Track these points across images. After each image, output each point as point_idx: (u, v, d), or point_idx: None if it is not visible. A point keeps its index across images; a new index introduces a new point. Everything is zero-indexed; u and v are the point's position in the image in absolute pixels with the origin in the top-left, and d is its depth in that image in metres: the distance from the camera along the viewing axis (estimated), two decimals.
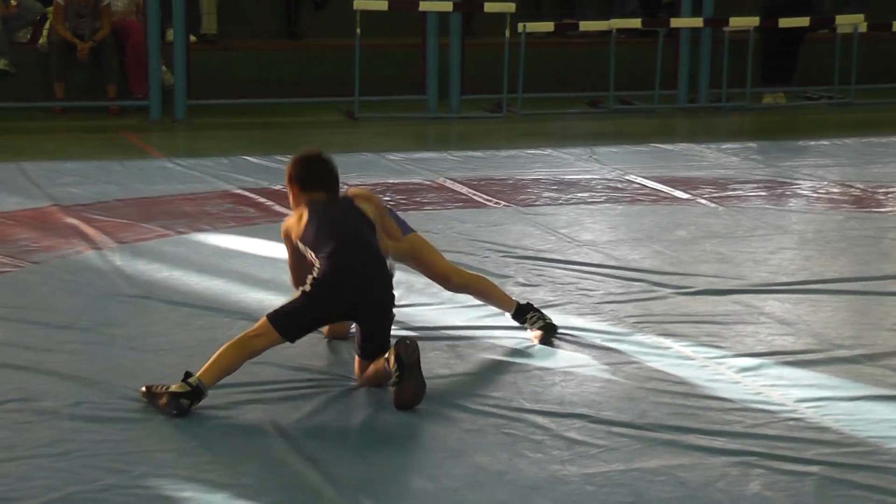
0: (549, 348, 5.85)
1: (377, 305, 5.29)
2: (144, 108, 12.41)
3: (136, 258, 7.22)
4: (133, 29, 12.54)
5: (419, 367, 5.08)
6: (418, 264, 6.00)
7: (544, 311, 6.08)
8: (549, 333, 5.96)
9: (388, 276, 5.38)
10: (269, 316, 5.21)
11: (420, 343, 5.34)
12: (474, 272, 6.31)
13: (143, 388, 5.09)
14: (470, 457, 4.70)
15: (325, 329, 5.76)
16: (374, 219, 5.46)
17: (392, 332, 5.38)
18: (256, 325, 5.24)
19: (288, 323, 5.21)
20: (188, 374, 5.04)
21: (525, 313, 6.00)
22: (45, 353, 5.66)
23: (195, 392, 5.00)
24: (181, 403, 4.98)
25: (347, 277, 5.23)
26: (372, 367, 5.23)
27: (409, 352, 5.05)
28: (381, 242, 5.48)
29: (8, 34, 12.73)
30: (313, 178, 5.50)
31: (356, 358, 5.34)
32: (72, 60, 12.52)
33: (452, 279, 6.01)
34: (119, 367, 5.52)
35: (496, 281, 6.80)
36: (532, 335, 5.95)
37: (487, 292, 6.11)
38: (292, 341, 5.29)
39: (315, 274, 5.24)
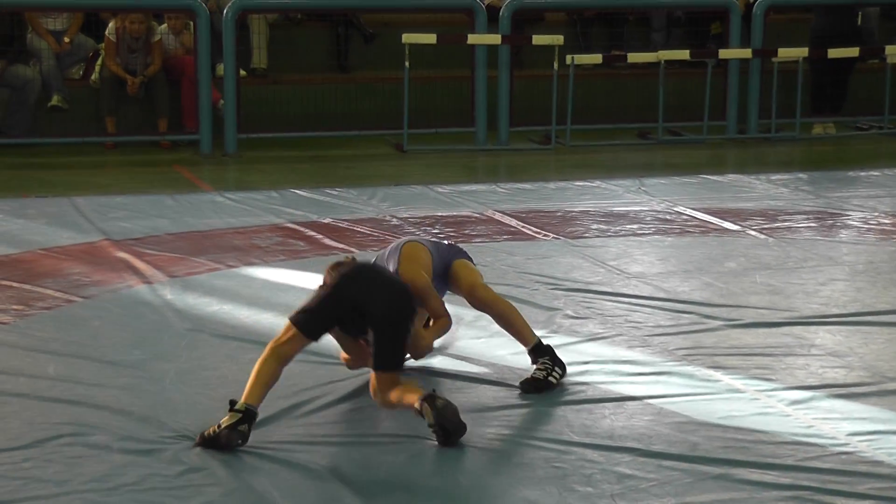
0: (597, 381, 5.82)
1: (392, 303, 5.24)
2: (195, 142, 12.47)
3: (187, 292, 7.25)
4: (188, 64, 12.61)
5: (461, 422, 5.04)
6: (454, 286, 5.95)
7: (583, 346, 6.12)
8: (534, 388, 5.67)
9: (408, 293, 5.37)
10: (291, 318, 5.24)
11: (468, 375, 5.33)
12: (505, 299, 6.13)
13: (198, 439, 5.05)
14: (520, 491, 4.68)
15: (343, 357, 5.76)
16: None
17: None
18: (282, 330, 5.26)
19: (309, 320, 5.22)
20: (233, 403, 5.05)
21: (540, 355, 5.79)
22: (97, 387, 5.68)
23: (248, 415, 5.02)
24: (240, 431, 4.99)
25: (364, 271, 5.36)
26: (395, 397, 5.16)
27: (450, 417, 5.01)
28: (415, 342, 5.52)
29: (61, 71, 12.85)
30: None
31: (371, 373, 5.28)
32: (123, 95, 12.64)
33: (477, 292, 5.88)
34: (170, 401, 5.54)
35: (545, 314, 6.83)
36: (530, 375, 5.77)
37: (510, 319, 5.89)
38: (315, 340, 5.29)
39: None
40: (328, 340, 5.49)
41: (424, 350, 5.79)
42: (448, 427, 5.00)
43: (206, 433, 5.04)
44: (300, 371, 5.77)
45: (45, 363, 6.00)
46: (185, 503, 4.54)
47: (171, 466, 4.85)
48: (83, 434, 5.15)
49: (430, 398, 5.02)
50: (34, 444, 5.04)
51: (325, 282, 5.40)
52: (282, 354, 5.21)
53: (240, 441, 4.99)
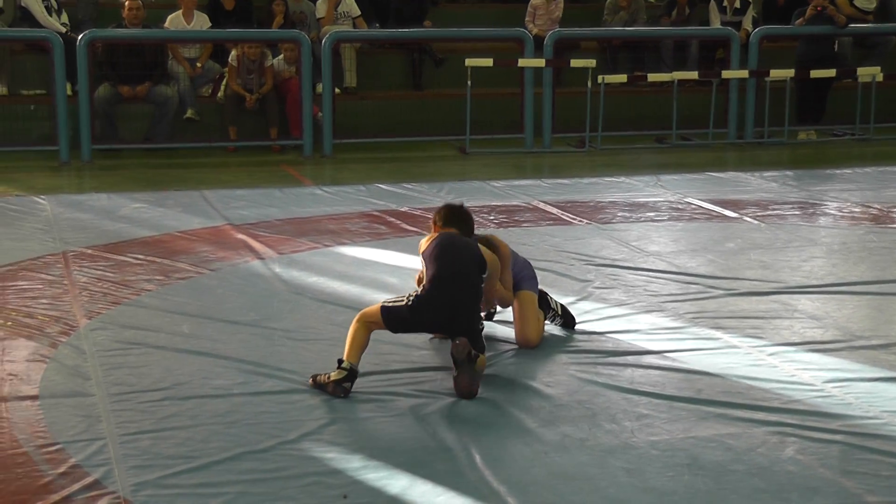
0: (621, 339, 5.81)
1: (460, 332, 5.13)
2: (299, 146, 12.52)
3: (292, 266, 7.28)
4: (292, 84, 12.66)
5: (469, 363, 4.97)
6: (515, 318, 5.77)
7: (609, 310, 6.19)
8: (570, 323, 5.99)
9: (476, 310, 5.27)
10: (382, 306, 5.19)
11: (513, 335, 5.34)
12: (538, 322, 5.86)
13: (310, 381, 5.08)
14: (558, 427, 4.69)
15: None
16: (490, 265, 5.39)
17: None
18: (374, 308, 5.21)
19: (392, 320, 5.16)
20: (340, 361, 5.05)
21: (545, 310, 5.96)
22: (220, 342, 5.73)
23: (351, 374, 5.02)
24: (344, 387, 4.99)
25: (440, 302, 5.15)
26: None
27: (458, 350, 4.97)
28: (489, 285, 5.45)
29: (194, 90, 12.93)
30: (448, 218, 5.51)
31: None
32: (243, 109, 12.69)
33: (531, 345, 5.70)
34: (278, 353, 5.58)
35: (579, 285, 6.83)
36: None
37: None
38: (394, 332, 5.27)
39: (419, 290, 5.21)
40: None
41: (503, 300, 5.69)
42: (456, 357, 4.98)
43: (318, 378, 5.06)
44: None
45: (181, 322, 6.06)
46: (290, 434, 4.57)
47: (279, 405, 4.89)
48: (210, 378, 5.20)
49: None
50: (171, 386, 5.10)
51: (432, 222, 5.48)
52: (369, 325, 5.17)
53: (342, 395, 4.98)
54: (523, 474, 4.24)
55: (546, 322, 5.93)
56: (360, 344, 5.13)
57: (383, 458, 4.35)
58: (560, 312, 6.00)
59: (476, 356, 5.03)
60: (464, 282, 5.22)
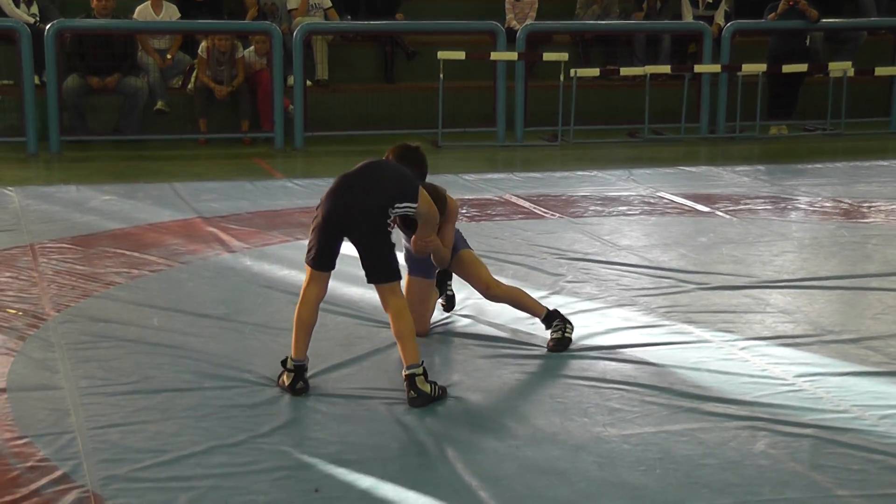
0: (593, 333, 5.81)
1: (362, 213, 4.92)
2: (270, 139, 12.49)
3: (262, 259, 7.27)
4: (263, 76, 12.63)
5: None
6: (466, 276, 5.72)
7: (581, 304, 6.11)
8: (561, 346, 5.56)
9: (381, 226, 4.93)
10: (305, 261, 5.07)
11: (490, 335, 5.35)
12: (511, 285, 5.89)
13: (277, 380, 5.02)
14: (530, 421, 4.69)
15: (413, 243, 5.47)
16: (424, 207, 5.11)
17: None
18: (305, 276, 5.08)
19: (312, 256, 5.03)
20: (284, 362, 5.00)
21: (552, 320, 5.64)
22: (190, 335, 5.71)
23: (299, 372, 4.97)
24: (299, 389, 4.95)
25: (337, 190, 5.02)
26: (402, 332, 4.93)
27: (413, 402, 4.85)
28: (423, 231, 5.28)
29: (164, 81, 12.88)
30: (399, 155, 5.46)
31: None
32: (212, 101, 12.66)
33: (492, 290, 5.67)
34: (248, 346, 5.57)
35: (551, 279, 6.83)
36: (549, 340, 5.63)
37: (522, 302, 5.73)
38: (327, 269, 5.06)
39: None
40: (366, 302, 5.46)
41: (439, 256, 5.47)
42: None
43: (279, 380, 5.02)
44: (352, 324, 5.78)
45: (151, 315, 6.04)
46: (261, 427, 4.56)
47: (249, 398, 4.88)
48: (180, 371, 5.19)
49: (410, 380, 4.85)
50: (141, 379, 5.08)
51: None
52: (311, 296, 5.02)
53: (303, 394, 4.94)
54: (495, 468, 4.24)
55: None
56: (305, 328, 4.99)
57: (355, 453, 4.34)
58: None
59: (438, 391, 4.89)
60: (363, 188, 4.97)
